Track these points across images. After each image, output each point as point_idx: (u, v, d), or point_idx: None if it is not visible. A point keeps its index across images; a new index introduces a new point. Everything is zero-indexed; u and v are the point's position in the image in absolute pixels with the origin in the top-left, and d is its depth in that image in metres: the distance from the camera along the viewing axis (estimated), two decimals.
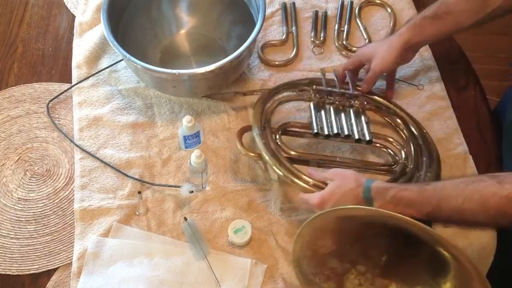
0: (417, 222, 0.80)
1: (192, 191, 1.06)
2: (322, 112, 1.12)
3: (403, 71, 1.25)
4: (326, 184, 0.99)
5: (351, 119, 1.11)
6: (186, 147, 1.13)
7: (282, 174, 1.02)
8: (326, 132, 1.09)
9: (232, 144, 1.13)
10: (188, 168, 1.06)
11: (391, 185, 0.93)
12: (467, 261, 0.80)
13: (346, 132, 1.09)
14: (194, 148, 1.13)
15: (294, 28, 1.32)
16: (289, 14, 1.35)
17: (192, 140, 1.11)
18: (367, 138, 1.09)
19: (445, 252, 0.84)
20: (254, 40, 1.11)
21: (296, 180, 1.01)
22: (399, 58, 1.12)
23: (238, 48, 1.09)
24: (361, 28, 1.32)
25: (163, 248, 1.02)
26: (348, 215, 0.88)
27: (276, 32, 1.32)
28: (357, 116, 1.12)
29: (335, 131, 1.09)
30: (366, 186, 0.93)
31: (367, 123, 1.11)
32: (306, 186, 1.01)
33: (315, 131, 1.09)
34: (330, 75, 1.19)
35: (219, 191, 1.09)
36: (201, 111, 1.19)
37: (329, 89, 1.15)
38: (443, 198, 0.87)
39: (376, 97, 1.17)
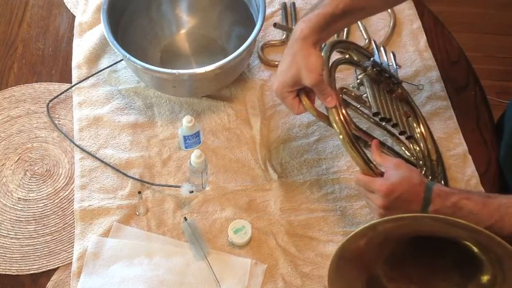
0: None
1: (192, 191, 1.06)
2: (375, 90, 1.03)
3: (403, 71, 1.25)
4: (379, 169, 0.93)
5: (397, 108, 1.05)
6: (186, 147, 1.13)
7: (348, 147, 0.93)
8: (383, 115, 1.00)
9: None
10: (188, 168, 1.06)
11: (453, 191, 0.90)
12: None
13: (394, 121, 1.02)
14: (194, 148, 1.13)
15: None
16: (289, 14, 1.35)
17: (192, 140, 1.11)
18: (409, 133, 1.04)
19: (477, 249, 0.84)
20: (254, 40, 1.11)
21: (359, 158, 0.93)
22: (321, 59, 0.96)
23: (238, 48, 1.09)
24: (361, 28, 1.32)
25: (163, 248, 1.02)
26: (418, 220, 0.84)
27: (276, 32, 1.32)
28: (401, 106, 1.07)
29: (387, 116, 1.01)
30: (428, 186, 0.89)
31: (409, 117, 1.08)
32: (366, 166, 0.93)
33: (376, 110, 1.00)
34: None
35: (219, 191, 1.09)
36: (201, 111, 1.19)
37: (384, 67, 1.06)
38: (507, 215, 0.85)
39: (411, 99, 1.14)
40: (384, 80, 1.07)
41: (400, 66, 1.15)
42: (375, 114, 1.01)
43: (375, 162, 0.95)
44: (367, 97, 1.03)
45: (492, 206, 0.87)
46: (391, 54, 1.14)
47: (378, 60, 1.07)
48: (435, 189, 0.89)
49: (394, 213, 0.84)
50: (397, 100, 1.09)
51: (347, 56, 1.09)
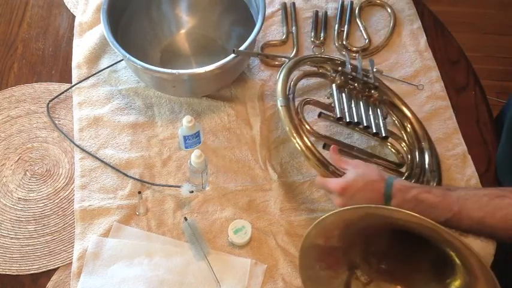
0: (443, 227, 0.78)
1: (192, 191, 1.06)
2: (344, 96, 1.08)
3: (403, 71, 1.26)
4: (341, 171, 0.96)
5: (369, 110, 1.09)
6: (186, 147, 1.13)
7: (304, 153, 0.99)
8: (348, 119, 1.05)
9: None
10: (188, 168, 1.06)
11: (413, 185, 0.92)
12: (477, 262, 0.78)
13: (365, 123, 1.06)
14: (194, 148, 1.13)
15: (294, 28, 1.32)
16: (289, 14, 1.35)
17: (192, 140, 1.11)
18: (383, 134, 1.07)
19: (453, 254, 0.84)
20: (254, 40, 1.11)
21: (316, 163, 0.98)
22: None
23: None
24: (361, 28, 1.33)
25: (163, 248, 1.03)
26: (370, 213, 0.85)
27: (276, 32, 1.32)
28: (375, 108, 1.10)
29: (355, 120, 1.06)
30: (388, 182, 0.91)
31: (384, 118, 1.10)
32: (325, 170, 0.98)
33: (339, 115, 1.05)
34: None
35: (219, 191, 1.09)
36: (201, 111, 1.19)
37: (354, 74, 1.11)
38: (465, 208, 0.86)
39: (393, 94, 1.16)
40: (358, 87, 1.11)
41: (381, 72, 1.21)
42: (339, 119, 1.05)
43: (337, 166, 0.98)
44: (333, 105, 1.08)
45: (451, 199, 0.88)
46: (369, 61, 1.17)
47: (348, 69, 1.11)
48: (396, 184, 0.90)
49: None
50: (374, 103, 1.11)
51: (315, 69, 1.14)
